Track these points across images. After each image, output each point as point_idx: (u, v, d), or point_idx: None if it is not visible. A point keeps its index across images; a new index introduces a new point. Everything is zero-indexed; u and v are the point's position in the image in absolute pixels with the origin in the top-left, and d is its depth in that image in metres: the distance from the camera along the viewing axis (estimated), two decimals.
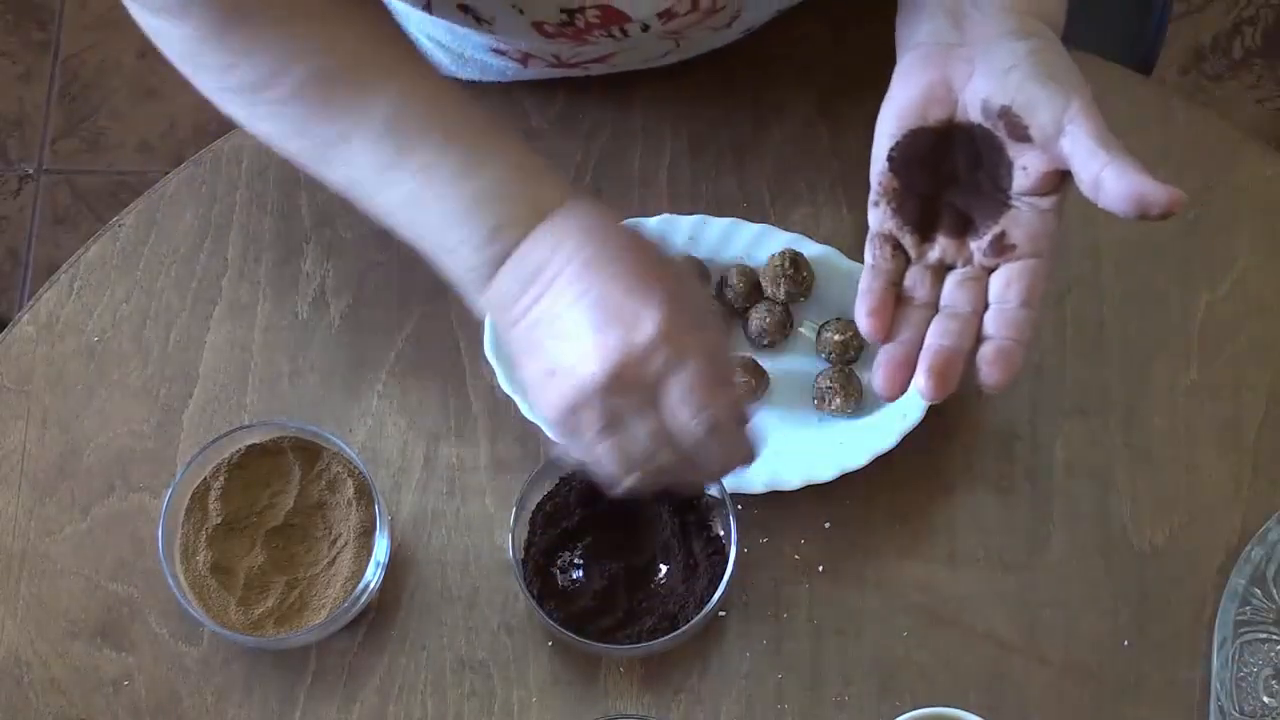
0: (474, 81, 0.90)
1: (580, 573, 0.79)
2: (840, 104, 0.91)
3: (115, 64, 1.81)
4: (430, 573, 0.83)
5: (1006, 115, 0.66)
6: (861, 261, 0.84)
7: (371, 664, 0.81)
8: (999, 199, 0.68)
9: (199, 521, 0.80)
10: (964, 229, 0.69)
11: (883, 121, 0.70)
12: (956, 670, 0.81)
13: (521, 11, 0.76)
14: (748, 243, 0.85)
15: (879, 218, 0.70)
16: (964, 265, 0.69)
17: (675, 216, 0.86)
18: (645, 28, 0.78)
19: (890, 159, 0.69)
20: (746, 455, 0.67)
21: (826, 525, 0.83)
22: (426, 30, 0.85)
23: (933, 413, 0.84)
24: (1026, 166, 0.67)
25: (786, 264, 0.83)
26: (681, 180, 0.89)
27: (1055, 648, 0.81)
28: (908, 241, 0.70)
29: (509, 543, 0.78)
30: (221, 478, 0.80)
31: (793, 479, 0.81)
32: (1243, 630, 0.79)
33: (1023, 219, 0.68)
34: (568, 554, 0.80)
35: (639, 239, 0.67)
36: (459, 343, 0.86)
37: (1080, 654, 0.81)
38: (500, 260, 0.67)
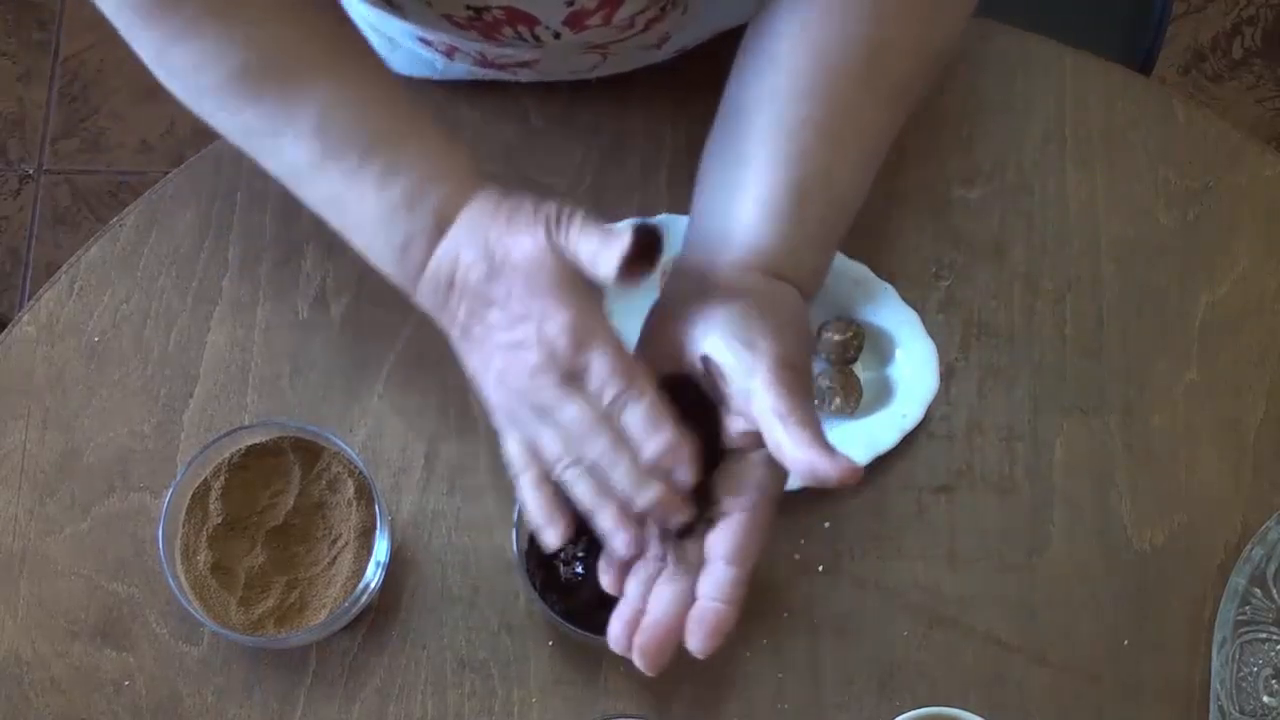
0: (442, 80, 0.91)
1: (582, 566, 0.79)
2: None
3: (115, 64, 1.82)
4: (430, 573, 0.83)
5: (708, 376, 0.67)
6: (861, 261, 0.85)
7: (371, 664, 0.81)
8: (718, 453, 0.68)
9: (199, 521, 0.80)
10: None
11: None
12: (956, 670, 0.81)
13: (429, 3, 0.76)
14: None
15: None
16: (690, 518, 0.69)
17: (675, 216, 0.86)
18: (557, 35, 0.78)
19: None
20: (670, 453, 0.65)
21: (826, 525, 0.83)
22: (360, 12, 0.85)
23: (933, 412, 0.84)
24: (730, 425, 0.67)
25: None
26: (681, 180, 0.89)
27: (1055, 648, 0.81)
28: None
29: (512, 536, 0.78)
30: (222, 478, 0.80)
31: (793, 479, 0.81)
32: (1243, 630, 0.79)
33: (733, 471, 0.68)
34: (570, 547, 0.80)
35: (520, 230, 0.67)
36: None
37: (1080, 654, 0.81)
38: (417, 271, 0.69)
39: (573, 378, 0.65)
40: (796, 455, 0.64)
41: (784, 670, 0.81)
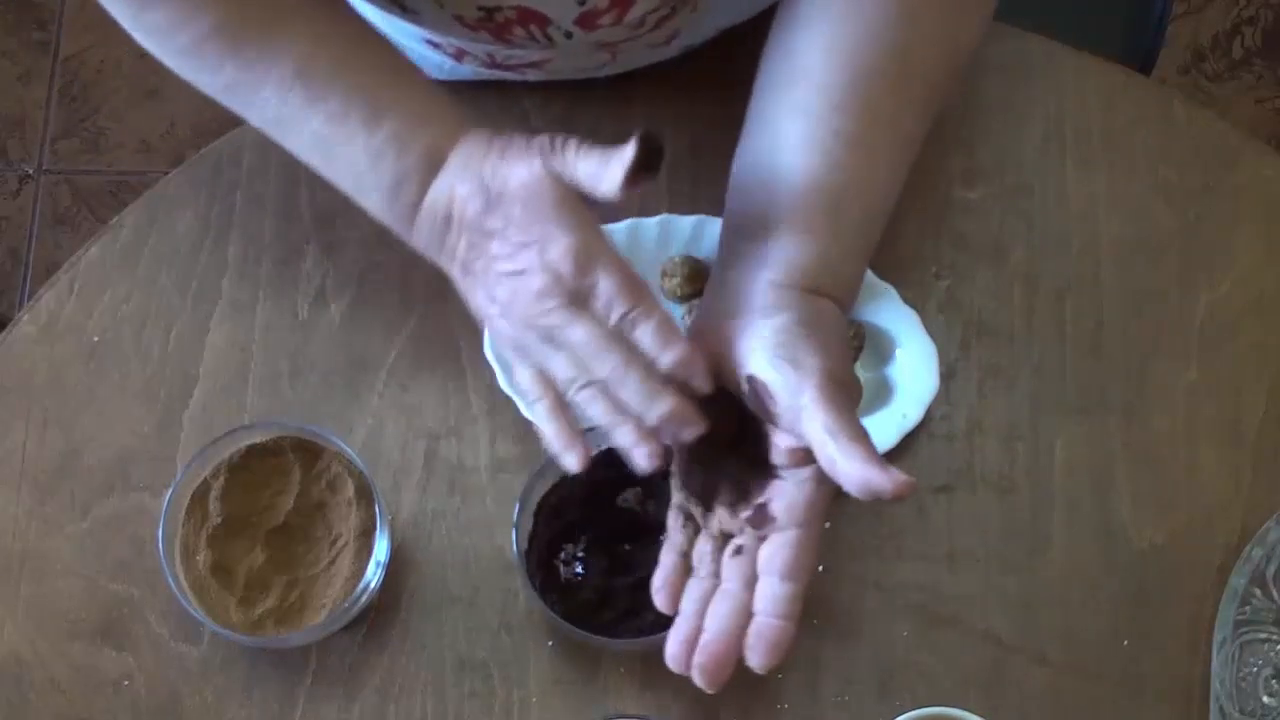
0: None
1: (581, 566, 0.79)
2: None
3: (115, 64, 1.82)
4: (430, 573, 0.83)
5: (754, 396, 0.67)
6: None
7: (371, 664, 0.81)
8: (766, 469, 0.68)
9: (199, 521, 0.80)
10: (740, 499, 0.69)
11: None
12: (956, 670, 0.81)
13: (441, 5, 0.76)
14: None
15: (673, 488, 0.71)
16: (740, 535, 0.69)
17: (675, 216, 0.86)
18: (569, 35, 0.78)
19: None
20: (686, 363, 0.66)
21: (826, 525, 0.83)
22: (366, 14, 0.86)
23: (933, 412, 0.84)
24: (778, 442, 0.67)
25: None
26: (681, 180, 0.89)
27: (1055, 648, 0.81)
28: (696, 511, 0.71)
29: (512, 537, 0.78)
30: (222, 478, 0.80)
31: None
32: (1243, 630, 0.79)
33: (785, 490, 0.68)
34: (570, 547, 0.80)
35: (515, 160, 0.67)
36: (459, 343, 0.86)
37: (1080, 654, 0.81)
38: (411, 211, 0.70)
39: (578, 300, 0.65)
40: (850, 471, 0.63)
41: (784, 670, 0.81)
